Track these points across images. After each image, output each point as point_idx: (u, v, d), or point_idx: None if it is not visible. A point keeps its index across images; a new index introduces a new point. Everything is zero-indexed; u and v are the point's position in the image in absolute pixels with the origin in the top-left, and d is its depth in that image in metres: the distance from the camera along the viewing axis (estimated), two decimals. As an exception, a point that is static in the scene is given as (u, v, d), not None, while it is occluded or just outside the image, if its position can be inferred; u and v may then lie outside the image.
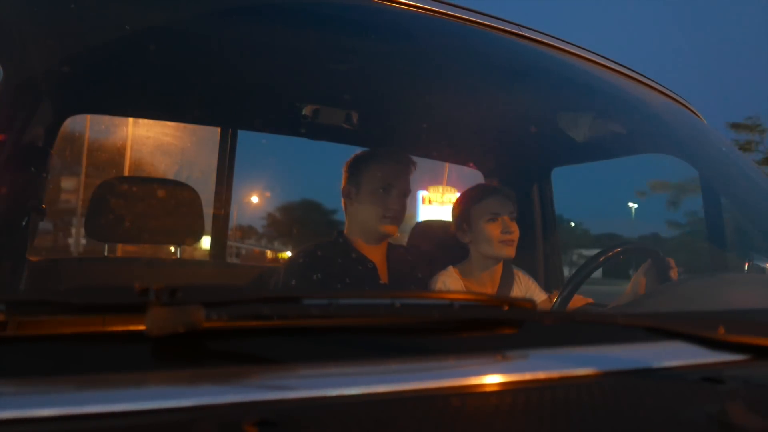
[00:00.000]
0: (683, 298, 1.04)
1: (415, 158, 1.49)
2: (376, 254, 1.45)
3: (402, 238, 1.73)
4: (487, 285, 1.50)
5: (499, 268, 1.53)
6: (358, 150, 1.53)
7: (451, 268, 1.49)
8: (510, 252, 1.46)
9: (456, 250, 1.54)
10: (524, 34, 1.24)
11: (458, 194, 1.59)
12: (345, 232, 1.47)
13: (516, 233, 1.47)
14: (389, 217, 1.40)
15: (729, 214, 1.50)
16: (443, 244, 1.58)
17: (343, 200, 1.47)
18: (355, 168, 1.45)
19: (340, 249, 1.43)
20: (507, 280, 1.55)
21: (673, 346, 0.58)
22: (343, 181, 1.48)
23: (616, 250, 1.28)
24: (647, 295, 1.30)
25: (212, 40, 1.20)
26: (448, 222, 1.60)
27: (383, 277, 1.45)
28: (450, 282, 1.46)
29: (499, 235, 1.45)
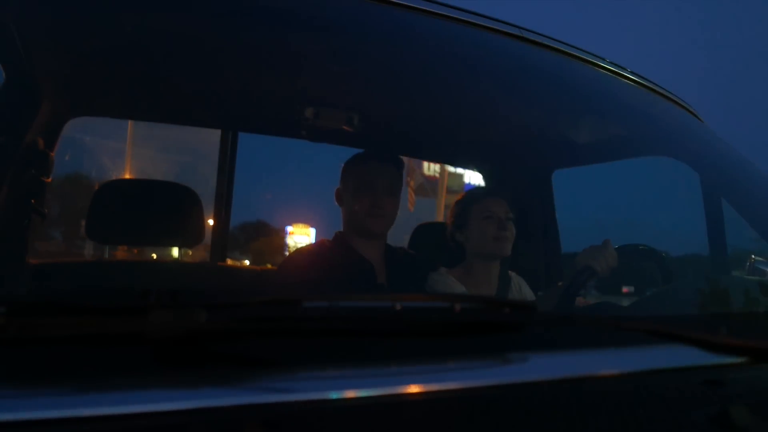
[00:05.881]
0: (684, 301, 1.04)
1: (416, 160, 1.50)
2: (373, 255, 1.46)
3: (402, 240, 1.73)
4: (482, 288, 1.49)
5: (496, 271, 1.52)
6: (358, 152, 1.54)
7: (443, 270, 1.48)
8: (504, 249, 1.46)
9: (454, 253, 1.53)
10: (524, 36, 1.24)
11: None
12: (342, 232, 1.48)
13: (511, 232, 1.46)
14: (375, 215, 1.43)
15: (729, 216, 1.50)
16: (441, 246, 1.58)
17: (336, 201, 1.51)
18: (345, 170, 1.49)
19: (339, 249, 1.44)
20: (503, 284, 1.53)
21: (674, 349, 0.58)
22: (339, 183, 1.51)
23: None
24: (648, 297, 1.30)
25: (214, 42, 1.20)
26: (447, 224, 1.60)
27: (380, 278, 1.45)
28: (441, 284, 1.45)
29: (495, 231, 1.45)
